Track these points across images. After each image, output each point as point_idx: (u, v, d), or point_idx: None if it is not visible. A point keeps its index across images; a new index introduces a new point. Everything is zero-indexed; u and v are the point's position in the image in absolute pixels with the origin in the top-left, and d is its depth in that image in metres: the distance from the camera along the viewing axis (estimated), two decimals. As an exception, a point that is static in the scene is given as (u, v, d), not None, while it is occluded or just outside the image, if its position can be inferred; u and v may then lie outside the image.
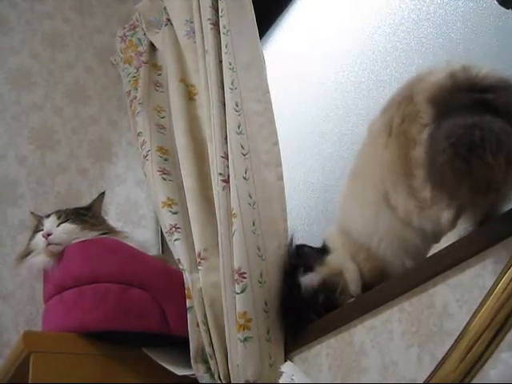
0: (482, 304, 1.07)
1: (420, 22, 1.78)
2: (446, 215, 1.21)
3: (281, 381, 1.37)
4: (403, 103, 1.29)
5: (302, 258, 1.56)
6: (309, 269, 1.51)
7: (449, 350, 1.11)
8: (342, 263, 1.47)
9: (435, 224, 1.24)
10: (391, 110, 1.32)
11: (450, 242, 1.19)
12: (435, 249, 1.23)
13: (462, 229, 1.18)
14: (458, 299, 1.15)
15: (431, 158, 1.17)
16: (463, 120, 1.14)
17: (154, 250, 2.36)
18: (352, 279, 1.46)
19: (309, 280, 1.50)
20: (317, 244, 1.57)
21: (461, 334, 1.09)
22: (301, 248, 1.58)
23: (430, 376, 1.13)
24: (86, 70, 2.67)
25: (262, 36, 2.06)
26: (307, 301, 1.50)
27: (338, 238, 1.50)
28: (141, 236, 2.39)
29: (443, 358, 1.11)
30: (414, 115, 1.25)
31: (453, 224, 1.20)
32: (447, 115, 1.18)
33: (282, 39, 2.33)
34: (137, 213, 2.51)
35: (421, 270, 1.25)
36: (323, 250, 1.52)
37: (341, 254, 1.48)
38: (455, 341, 1.10)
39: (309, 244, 1.60)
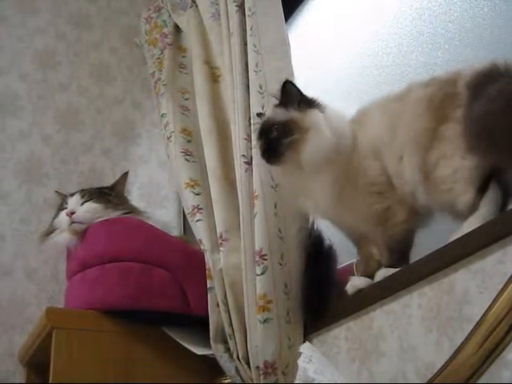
0: (502, 290, 1.07)
1: (447, 5, 1.77)
2: (465, 198, 1.23)
3: (299, 361, 1.38)
4: (448, 83, 1.32)
5: (286, 95, 1.48)
6: (283, 105, 1.48)
7: (468, 336, 1.11)
8: (318, 125, 1.42)
9: (450, 206, 1.27)
10: (435, 86, 1.34)
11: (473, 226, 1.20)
12: (457, 234, 1.23)
13: (484, 211, 1.20)
14: (478, 285, 1.15)
15: (477, 112, 1.21)
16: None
17: (175, 231, 2.39)
18: (314, 143, 1.41)
19: (274, 113, 1.48)
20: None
21: (480, 319, 1.09)
22: (289, 85, 1.49)
23: (448, 360, 1.14)
24: (111, 51, 2.69)
25: (286, 18, 2.05)
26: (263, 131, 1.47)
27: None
28: (163, 216, 2.42)
29: (462, 343, 1.12)
30: (454, 96, 1.29)
31: (473, 207, 1.22)
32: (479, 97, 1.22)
33: (306, 22, 2.31)
34: (159, 193, 2.53)
35: (442, 255, 1.24)
36: (316, 103, 1.46)
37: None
38: (475, 326, 1.10)
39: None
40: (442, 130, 1.29)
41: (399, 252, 1.39)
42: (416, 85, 1.40)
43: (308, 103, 1.46)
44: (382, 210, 1.41)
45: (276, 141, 1.45)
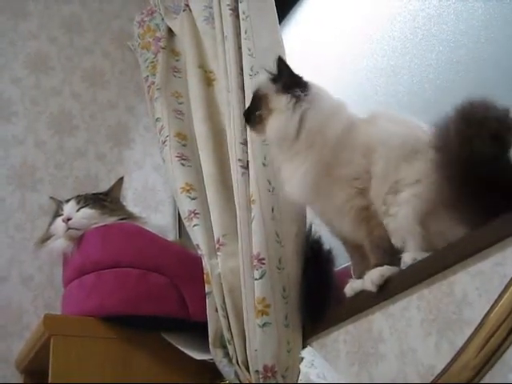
0: (502, 293, 1.07)
1: (441, 7, 1.77)
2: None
3: (301, 366, 1.38)
4: None
5: (279, 71, 1.50)
6: (274, 79, 1.49)
7: (469, 338, 1.11)
8: (282, 111, 1.45)
9: None
10: None
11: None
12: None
13: None
14: (477, 287, 1.15)
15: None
16: None
17: (171, 235, 2.38)
18: (273, 125, 1.45)
19: (264, 83, 1.49)
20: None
21: (481, 322, 1.10)
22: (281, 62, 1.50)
23: (450, 363, 1.14)
24: (104, 55, 2.69)
25: (279, 20, 2.04)
26: None
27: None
28: (158, 221, 2.41)
29: (463, 346, 1.12)
30: None
31: None
32: None
33: (300, 24, 2.32)
34: (154, 198, 2.53)
35: (440, 258, 1.25)
36: (301, 88, 1.47)
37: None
38: (475, 329, 1.11)
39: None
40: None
41: (390, 250, 1.38)
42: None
43: (292, 85, 1.47)
44: (361, 207, 1.41)
45: (250, 110, 1.53)
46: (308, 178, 1.42)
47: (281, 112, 1.45)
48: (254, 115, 1.51)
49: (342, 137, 1.43)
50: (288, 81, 1.47)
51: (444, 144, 1.22)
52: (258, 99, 1.50)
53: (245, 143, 1.70)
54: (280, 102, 1.46)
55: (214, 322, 1.68)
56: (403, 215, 1.32)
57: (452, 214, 1.26)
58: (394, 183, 1.35)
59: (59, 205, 1.98)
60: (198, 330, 1.74)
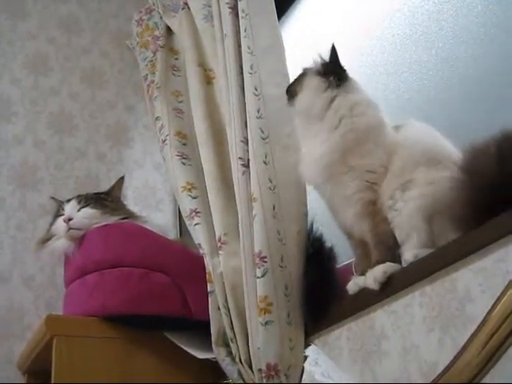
0: (505, 290, 1.07)
1: (440, 3, 1.77)
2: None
3: (306, 365, 1.38)
4: None
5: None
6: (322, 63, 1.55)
7: (472, 335, 1.11)
8: (305, 93, 1.54)
9: None
10: None
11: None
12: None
13: None
14: (480, 284, 1.15)
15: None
16: None
17: (171, 234, 2.38)
18: (297, 104, 1.55)
19: (313, 65, 1.56)
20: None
21: (484, 319, 1.10)
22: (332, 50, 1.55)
23: (452, 361, 1.14)
24: (102, 55, 2.69)
25: (279, 18, 2.04)
26: None
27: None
28: (159, 219, 2.41)
29: (466, 343, 1.12)
30: None
31: None
32: None
33: (299, 21, 2.31)
34: (154, 197, 2.53)
35: (443, 255, 1.25)
36: (335, 77, 1.52)
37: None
38: (478, 326, 1.11)
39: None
40: None
41: (393, 247, 1.38)
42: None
43: (330, 73, 1.52)
44: (368, 201, 1.42)
45: (290, 85, 1.62)
46: (324, 160, 1.45)
47: (310, 91, 1.52)
48: (291, 89, 1.59)
49: (371, 128, 1.45)
50: (329, 68, 1.53)
51: (478, 163, 1.21)
52: (300, 76, 1.58)
53: (245, 141, 1.70)
54: (312, 83, 1.52)
55: (217, 320, 1.68)
56: (408, 210, 1.32)
57: (458, 223, 1.26)
58: (406, 181, 1.36)
59: (60, 205, 1.98)
60: (200, 329, 1.74)
